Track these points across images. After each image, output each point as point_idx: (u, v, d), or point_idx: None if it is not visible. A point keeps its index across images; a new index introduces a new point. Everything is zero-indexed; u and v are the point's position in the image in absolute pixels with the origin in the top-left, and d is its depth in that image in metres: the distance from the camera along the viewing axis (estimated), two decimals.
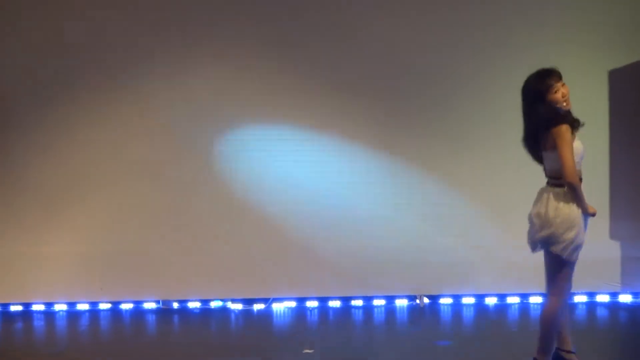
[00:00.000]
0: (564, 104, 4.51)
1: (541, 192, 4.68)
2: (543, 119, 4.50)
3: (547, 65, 6.48)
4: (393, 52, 6.59)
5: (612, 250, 6.70)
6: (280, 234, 6.67)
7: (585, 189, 6.60)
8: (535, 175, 6.66)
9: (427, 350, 5.46)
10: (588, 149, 6.66)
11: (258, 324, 6.36)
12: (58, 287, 6.68)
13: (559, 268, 4.60)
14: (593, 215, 4.64)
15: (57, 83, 6.57)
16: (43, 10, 6.54)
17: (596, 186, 6.69)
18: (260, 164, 6.62)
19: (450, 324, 6.34)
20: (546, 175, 4.71)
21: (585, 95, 6.65)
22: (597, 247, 6.67)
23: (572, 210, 4.53)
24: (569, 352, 4.79)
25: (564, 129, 4.45)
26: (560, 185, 4.56)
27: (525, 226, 6.63)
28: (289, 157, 6.63)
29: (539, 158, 4.71)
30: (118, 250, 6.65)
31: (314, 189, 6.66)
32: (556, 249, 4.54)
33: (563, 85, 4.52)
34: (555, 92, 4.49)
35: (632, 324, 6.26)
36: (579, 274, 6.63)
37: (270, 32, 6.56)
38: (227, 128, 6.61)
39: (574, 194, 4.53)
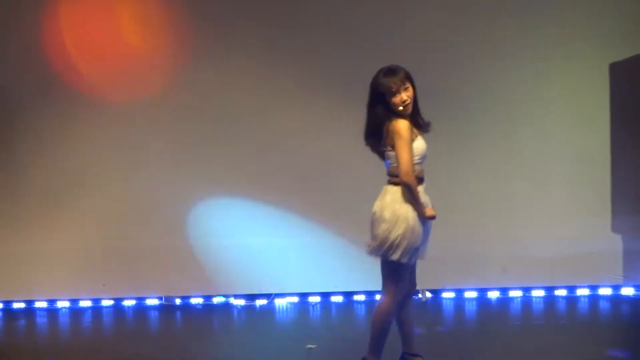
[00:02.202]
0: (403, 108, 4.38)
1: (382, 191, 4.52)
2: (381, 118, 4.37)
3: (546, 62, 6.60)
4: (395, 53, 6.53)
5: (614, 243, 6.70)
6: (282, 230, 6.67)
7: (586, 182, 6.69)
8: (537, 170, 6.72)
9: (429, 345, 5.46)
10: (589, 142, 6.75)
11: (260, 319, 6.36)
12: (60, 284, 6.68)
13: (388, 269, 4.46)
14: (432, 218, 4.45)
15: (57, 80, 6.55)
16: (44, 8, 6.53)
17: (598, 180, 6.71)
18: (262, 160, 6.62)
19: (453, 318, 6.34)
20: (387, 173, 4.52)
21: (586, 89, 6.67)
22: (599, 240, 6.69)
23: (406, 211, 4.38)
24: (415, 355, 4.69)
25: (402, 126, 4.32)
26: (398, 184, 4.41)
27: (525, 220, 6.70)
28: (291, 154, 6.63)
29: (381, 155, 4.52)
30: (120, 247, 6.65)
31: (316, 185, 6.66)
32: (384, 251, 4.40)
33: (406, 89, 4.38)
34: (395, 96, 4.36)
35: (634, 316, 6.26)
36: (581, 267, 6.73)
37: (271, 32, 6.56)
38: (229, 124, 6.61)
39: (409, 194, 4.37)
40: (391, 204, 4.41)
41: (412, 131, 4.40)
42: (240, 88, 6.59)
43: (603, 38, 6.61)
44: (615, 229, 6.70)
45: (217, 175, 6.63)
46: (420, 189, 4.47)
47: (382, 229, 4.40)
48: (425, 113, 6.63)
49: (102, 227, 6.65)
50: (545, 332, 5.70)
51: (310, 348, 5.33)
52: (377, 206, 4.48)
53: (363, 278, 6.66)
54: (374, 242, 4.45)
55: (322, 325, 6.24)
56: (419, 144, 4.46)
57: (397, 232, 4.36)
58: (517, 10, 6.60)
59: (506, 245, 6.67)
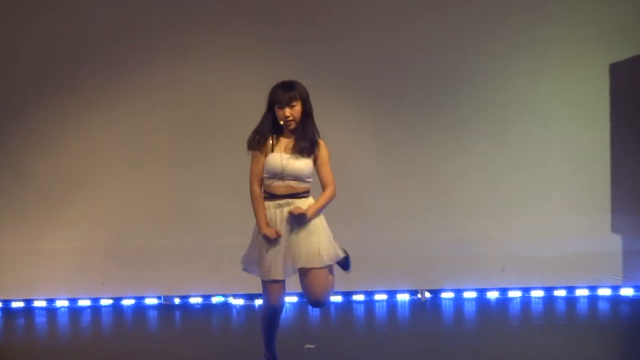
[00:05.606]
0: (284, 123, 4.46)
1: None
2: (265, 125, 4.56)
3: (546, 62, 6.61)
4: (394, 52, 6.59)
5: (614, 243, 6.70)
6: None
7: (586, 182, 6.69)
8: (537, 170, 6.71)
9: (428, 344, 5.46)
10: (589, 142, 6.74)
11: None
12: (59, 283, 6.67)
13: None
14: (265, 236, 4.53)
15: (58, 79, 6.56)
16: (45, 7, 6.53)
17: (598, 180, 6.71)
18: None
19: (452, 318, 6.34)
20: None
21: (586, 89, 6.67)
22: (599, 240, 6.69)
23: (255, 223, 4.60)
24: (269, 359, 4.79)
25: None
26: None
27: (524, 220, 6.70)
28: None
29: None
30: (119, 246, 6.65)
31: (317, 184, 6.64)
32: None
33: (292, 106, 4.45)
34: (279, 108, 4.45)
35: (634, 317, 6.27)
36: (581, 267, 6.73)
37: (271, 32, 6.57)
38: (229, 124, 6.61)
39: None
40: None
41: (262, 145, 4.58)
42: (242, 87, 6.57)
43: (603, 38, 6.61)
44: (615, 229, 6.71)
45: (216, 174, 6.62)
46: (270, 204, 4.60)
47: None
48: (425, 113, 6.71)
49: (102, 226, 6.65)
50: (545, 333, 5.70)
51: (309, 348, 5.33)
52: None
53: (362, 278, 6.66)
54: None
55: (321, 325, 6.24)
56: (270, 159, 4.57)
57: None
58: (516, 9, 6.60)
59: (505, 246, 6.67)
